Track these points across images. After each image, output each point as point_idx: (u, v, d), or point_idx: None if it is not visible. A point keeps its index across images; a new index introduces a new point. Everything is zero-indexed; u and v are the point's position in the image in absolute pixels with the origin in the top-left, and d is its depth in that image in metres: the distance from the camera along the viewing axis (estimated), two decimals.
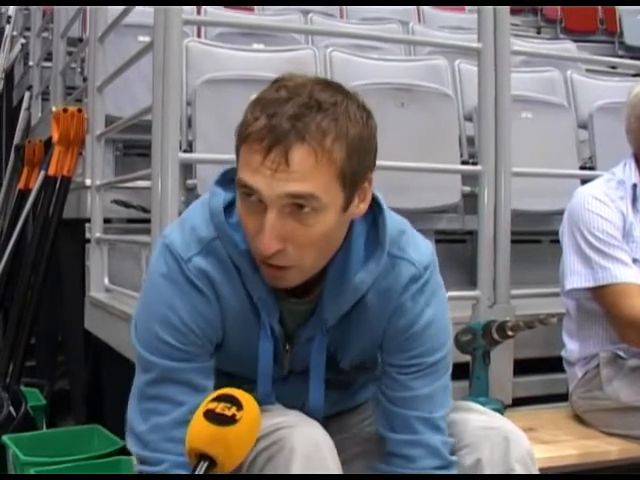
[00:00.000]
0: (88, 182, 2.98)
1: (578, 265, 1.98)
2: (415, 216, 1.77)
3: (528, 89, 3.15)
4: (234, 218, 1.24)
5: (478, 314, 2.24)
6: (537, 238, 3.15)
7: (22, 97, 4.56)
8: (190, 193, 2.49)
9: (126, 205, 2.92)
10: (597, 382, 2.01)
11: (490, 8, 2.33)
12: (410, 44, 4.00)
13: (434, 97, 2.81)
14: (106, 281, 2.83)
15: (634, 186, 2.03)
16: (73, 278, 3.25)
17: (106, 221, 2.92)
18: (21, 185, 4.04)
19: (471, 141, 2.93)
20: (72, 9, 3.67)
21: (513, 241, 2.34)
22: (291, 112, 1.12)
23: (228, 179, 1.28)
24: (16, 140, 4.53)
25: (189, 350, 1.26)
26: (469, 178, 2.67)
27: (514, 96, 2.41)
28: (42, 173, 3.38)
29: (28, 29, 4.83)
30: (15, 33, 5.10)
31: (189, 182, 2.50)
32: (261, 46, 3.35)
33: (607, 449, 1.93)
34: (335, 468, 1.25)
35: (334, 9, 4.81)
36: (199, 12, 3.72)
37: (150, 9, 2.19)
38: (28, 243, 3.54)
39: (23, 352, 3.09)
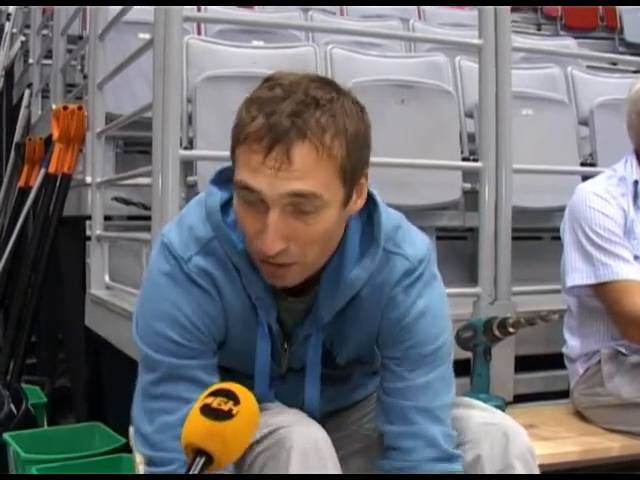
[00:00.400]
0: (88, 180, 2.98)
1: (579, 262, 1.98)
2: (416, 213, 1.78)
3: (529, 86, 3.14)
4: (231, 217, 1.24)
5: (479, 311, 2.24)
6: (538, 235, 3.15)
7: (22, 95, 4.55)
8: (191, 190, 2.48)
9: (126, 202, 2.92)
10: (598, 379, 2.01)
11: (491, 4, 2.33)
12: (410, 41, 4.00)
13: (435, 94, 2.81)
14: (107, 278, 2.83)
15: (635, 183, 2.03)
16: (73, 276, 3.25)
17: (106, 218, 2.92)
18: (21, 183, 4.04)
19: (472, 138, 2.93)
20: (72, 6, 3.66)
21: (514, 238, 2.34)
22: (290, 110, 1.11)
23: (223, 178, 1.28)
24: (16, 138, 4.53)
25: (194, 347, 1.26)
26: (470, 175, 2.67)
27: (515, 93, 2.41)
28: (42, 171, 3.38)
29: (28, 26, 4.83)
30: (15, 30, 5.09)
31: (190, 179, 2.50)
32: (261, 43, 3.35)
33: (609, 446, 1.93)
34: (334, 467, 1.25)
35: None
36: (199, 9, 3.71)
37: (150, 6, 2.19)
38: (28, 241, 3.54)
39: (24, 350, 3.09)
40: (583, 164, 3.07)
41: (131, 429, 1.38)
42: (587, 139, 3.14)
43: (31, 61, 4.57)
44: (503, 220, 2.30)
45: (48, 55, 4.15)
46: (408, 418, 1.31)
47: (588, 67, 3.93)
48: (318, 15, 4.23)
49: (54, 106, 3.49)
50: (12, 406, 2.84)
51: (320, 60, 3.18)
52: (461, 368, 1.78)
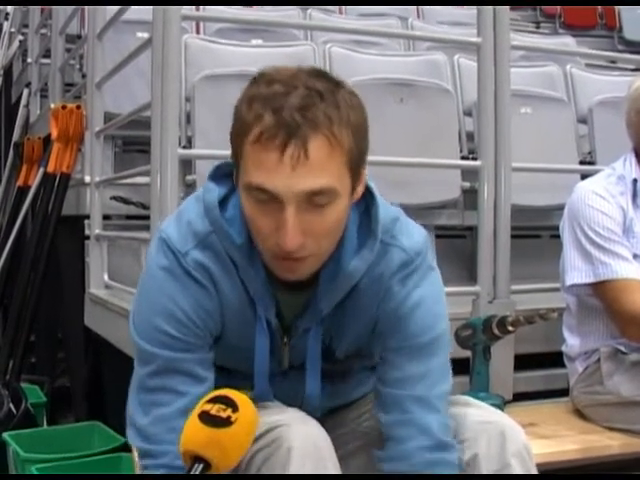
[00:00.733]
0: (87, 179, 2.97)
1: (578, 261, 1.98)
2: (415, 212, 1.77)
3: (527, 84, 3.14)
4: (229, 212, 1.25)
5: (478, 309, 2.24)
6: (537, 233, 3.15)
7: (21, 94, 4.55)
8: (189, 189, 2.48)
9: (125, 201, 2.92)
10: (598, 377, 2.01)
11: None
12: (409, 39, 4.00)
13: (433, 92, 2.81)
14: (106, 278, 2.83)
15: (634, 181, 2.03)
16: (73, 275, 3.25)
17: (105, 218, 2.91)
18: (20, 182, 4.04)
19: (470, 136, 2.93)
20: (70, 6, 3.66)
21: (513, 236, 2.34)
22: (297, 104, 1.10)
23: (221, 174, 1.28)
24: (15, 137, 4.52)
25: (190, 341, 1.26)
26: (469, 173, 2.67)
27: (513, 91, 2.41)
28: (41, 170, 3.38)
29: (26, 26, 4.83)
30: (13, 30, 5.09)
31: (188, 178, 2.50)
32: (260, 42, 3.35)
33: (608, 444, 1.93)
34: (333, 467, 1.25)
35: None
36: (198, 8, 3.71)
37: (149, 5, 2.18)
38: (27, 240, 3.54)
39: (23, 349, 3.09)
40: (582, 162, 3.07)
41: None
42: (586, 137, 3.14)
43: (29, 60, 4.57)
44: (502, 218, 2.30)
45: (46, 54, 4.15)
46: (403, 407, 1.31)
47: (587, 65, 3.93)
48: (317, 14, 4.23)
49: (53, 105, 3.49)
50: (11, 405, 2.84)
51: (319, 59, 3.19)
52: (460, 367, 1.78)
